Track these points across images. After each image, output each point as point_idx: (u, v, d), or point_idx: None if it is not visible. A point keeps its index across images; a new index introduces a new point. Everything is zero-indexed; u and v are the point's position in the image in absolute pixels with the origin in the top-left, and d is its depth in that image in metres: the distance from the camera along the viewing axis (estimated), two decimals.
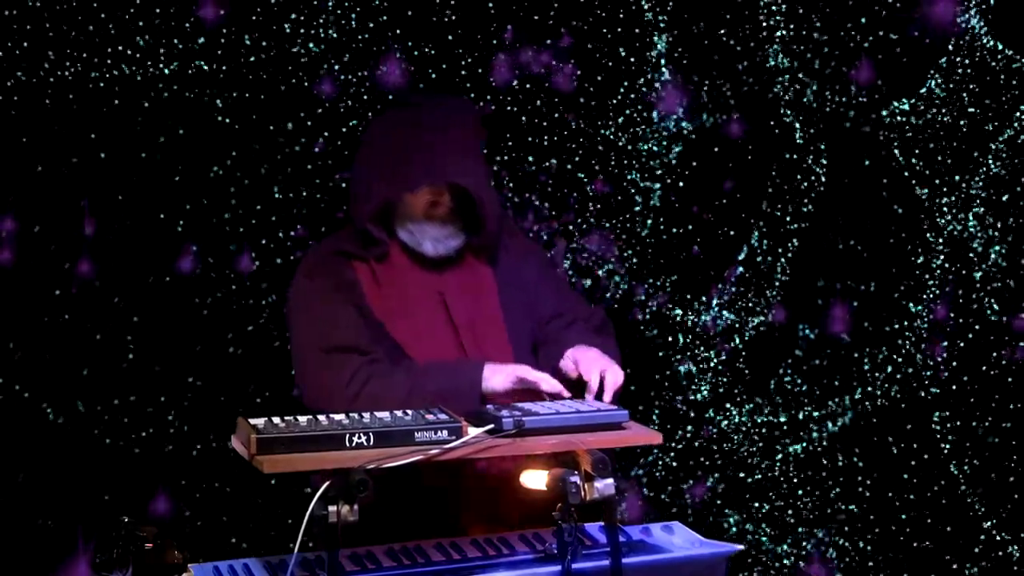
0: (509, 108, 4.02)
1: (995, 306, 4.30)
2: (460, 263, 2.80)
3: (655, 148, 4.21)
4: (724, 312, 4.29)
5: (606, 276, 4.20)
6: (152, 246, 3.64)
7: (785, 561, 4.33)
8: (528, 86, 4.03)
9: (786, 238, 4.30)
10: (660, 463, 4.28)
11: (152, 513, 3.51)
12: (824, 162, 4.28)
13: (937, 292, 4.30)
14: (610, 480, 2.21)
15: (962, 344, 4.32)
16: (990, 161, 4.28)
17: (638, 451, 4.22)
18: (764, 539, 4.34)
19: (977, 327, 4.32)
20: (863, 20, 4.22)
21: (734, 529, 4.33)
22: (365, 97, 3.84)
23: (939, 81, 4.26)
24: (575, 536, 2.24)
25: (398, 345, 2.67)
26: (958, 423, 4.33)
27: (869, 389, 4.33)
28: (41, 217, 3.51)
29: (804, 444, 4.33)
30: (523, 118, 4.05)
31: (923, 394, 4.33)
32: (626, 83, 4.17)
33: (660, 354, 4.27)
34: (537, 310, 2.85)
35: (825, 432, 4.33)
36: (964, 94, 4.26)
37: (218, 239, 3.72)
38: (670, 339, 4.28)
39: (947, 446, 4.33)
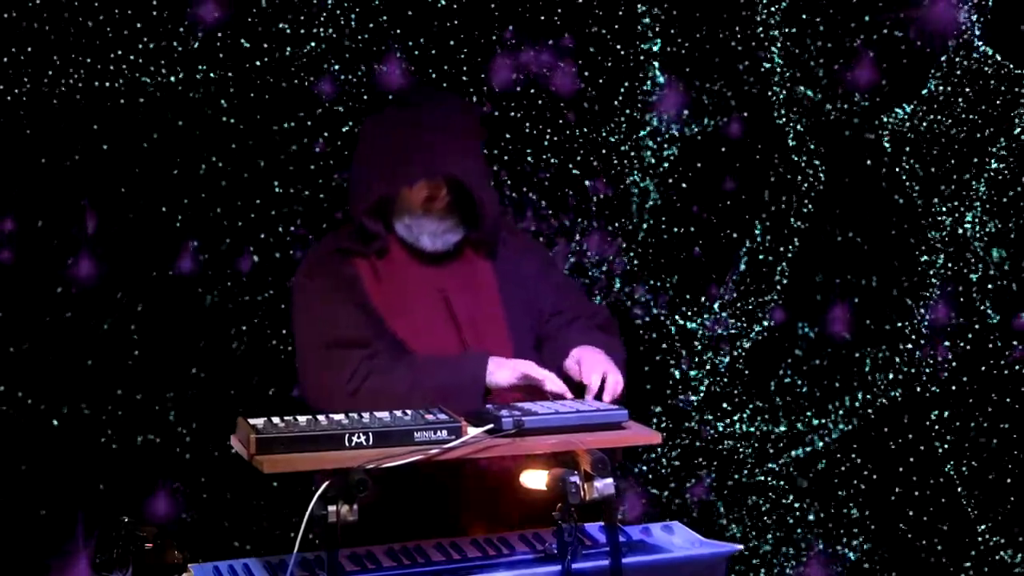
0: (509, 109, 4.02)
1: (995, 306, 4.30)
2: (459, 258, 2.79)
3: (655, 148, 4.21)
4: (724, 313, 4.29)
5: (605, 276, 4.20)
6: (152, 246, 3.65)
7: (785, 561, 4.33)
8: (529, 88, 4.03)
9: (786, 238, 4.30)
10: (660, 463, 4.29)
11: (152, 513, 3.51)
12: (822, 163, 4.28)
13: (938, 292, 4.30)
14: (610, 480, 2.20)
15: (962, 344, 4.32)
16: (991, 162, 4.28)
17: (640, 450, 4.22)
18: (764, 539, 4.34)
19: (977, 327, 4.32)
20: (864, 20, 4.22)
21: (734, 528, 4.33)
22: (365, 97, 3.84)
23: (940, 82, 4.26)
24: (575, 536, 2.24)
25: (399, 341, 2.67)
26: (957, 423, 4.33)
27: (869, 390, 4.33)
28: (41, 216, 3.51)
29: (804, 443, 4.34)
30: (523, 118, 4.05)
31: (924, 394, 4.33)
32: (626, 83, 4.17)
33: (660, 354, 4.27)
34: (537, 306, 2.85)
35: (827, 434, 4.33)
36: (964, 95, 4.26)
37: (218, 239, 3.72)
38: (670, 339, 4.28)
39: (945, 446, 4.33)
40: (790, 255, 4.30)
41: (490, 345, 2.68)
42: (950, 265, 4.31)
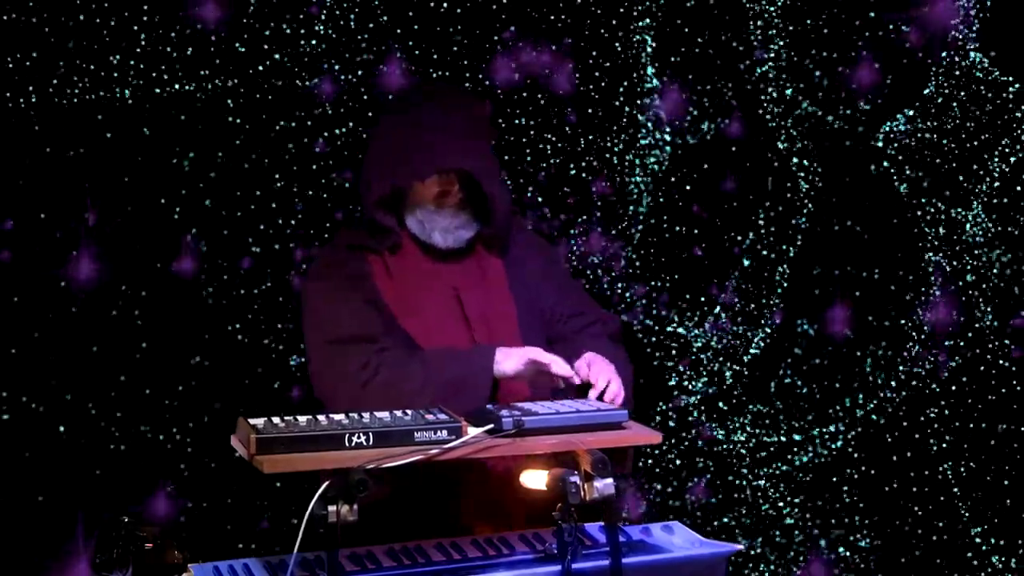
0: (510, 109, 4.02)
1: (995, 306, 4.30)
2: (471, 255, 2.80)
3: (655, 148, 4.21)
4: (724, 313, 4.29)
5: (604, 276, 4.20)
6: (153, 246, 3.65)
7: (785, 561, 4.33)
8: (529, 88, 4.03)
9: (787, 239, 4.30)
10: (661, 463, 4.29)
11: (152, 513, 3.51)
12: (820, 164, 4.28)
13: (938, 292, 4.29)
14: (610, 480, 2.20)
15: (963, 344, 4.32)
16: (993, 162, 4.28)
17: (644, 450, 4.22)
18: (764, 539, 4.34)
19: (977, 327, 4.32)
20: (864, 20, 4.22)
21: (734, 528, 4.33)
22: (365, 97, 3.85)
23: (940, 83, 4.26)
24: (575, 536, 2.24)
25: (410, 337, 2.67)
26: (956, 424, 4.33)
27: (870, 391, 4.33)
28: (41, 216, 3.51)
29: (804, 444, 4.34)
30: (524, 118, 4.05)
31: (924, 393, 4.33)
32: (625, 83, 4.17)
33: (660, 354, 4.27)
34: (550, 305, 2.85)
35: (825, 434, 4.33)
36: (965, 96, 4.26)
37: (219, 239, 3.72)
38: (670, 340, 4.27)
39: (943, 445, 4.32)
40: (790, 255, 4.30)
41: (500, 342, 2.68)
42: (950, 264, 4.31)
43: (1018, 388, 4.31)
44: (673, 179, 4.25)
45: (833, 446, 4.33)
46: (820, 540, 4.33)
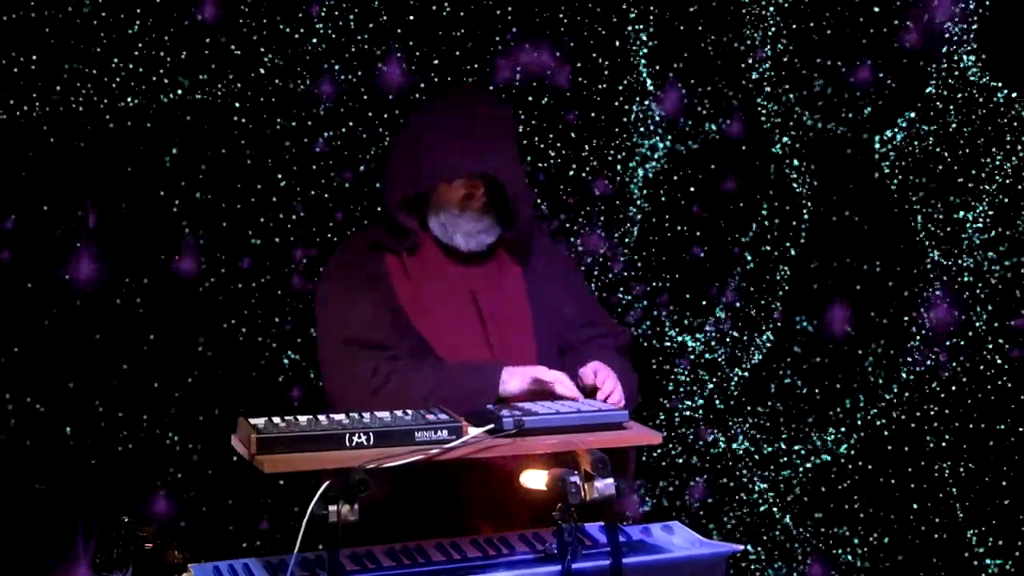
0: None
1: (995, 307, 4.30)
2: (491, 259, 2.80)
3: (654, 148, 4.21)
4: (724, 314, 4.29)
5: (605, 276, 4.20)
6: (153, 246, 3.65)
7: (785, 561, 4.33)
8: (530, 88, 4.03)
9: (787, 240, 4.30)
10: (661, 463, 4.29)
11: (152, 513, 3.51)
12: (819, 164, 4.28)
13: (938, 293, 4.29)
14: (610, 480, 2.21)
15: (963, 344, 4.32)
16: (993, 162, 4.28)
17: (644, 450, 4.22)
18: (764, 540, 4.34)
19: (977, 326, 4.32)
20: (863, 22, 4.22)
21: (734, 528, 4.33)
22: (365, 97, 3.85)
23: (939, 86, 4.26)
24: (575, 536, 2.24)
25: (423, 339, 2.67)
26: (955, 424, 4.33)
27: (870, 392, 4.33)
28: (41, 216, 3.51)
29: (804, 444, 4.34)
30: (524, 118, 4.05)
31: (924, 391, 4.33)
32: (624, 83, 4.17)
33: (660, 354, 4.27)
34: (565, 312, 2.85)
35: (825, 434, 4.33)
36: (965, 96, 4.26)
37: (219, 239, 3.72)
38: (670, 340, 4.27)
39: (943, 445, 4.32)
40: (790, 256, 4.30)
41: (515, 347, 2.69)
42: (950, 264, 4.31)
43: (1018, 388, 4.31)
44: (674, 179, 4.25)
45: (833, 447, 4.33)
46: (819, 540, 4.33)
